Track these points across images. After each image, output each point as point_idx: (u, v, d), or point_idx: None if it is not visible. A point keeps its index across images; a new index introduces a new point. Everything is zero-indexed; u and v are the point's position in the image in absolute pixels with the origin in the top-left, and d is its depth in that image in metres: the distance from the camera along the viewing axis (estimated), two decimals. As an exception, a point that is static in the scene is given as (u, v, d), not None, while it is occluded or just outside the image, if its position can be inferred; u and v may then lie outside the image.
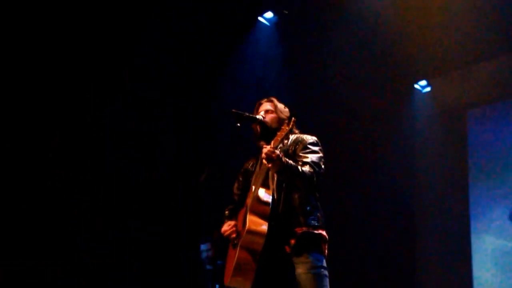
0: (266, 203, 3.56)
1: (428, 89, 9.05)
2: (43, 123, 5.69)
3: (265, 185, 3.67)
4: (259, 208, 3.54)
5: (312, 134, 3.89)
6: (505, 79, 8.03)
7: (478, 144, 8.51)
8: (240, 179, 4.07)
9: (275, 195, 3.64)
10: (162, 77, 6.46)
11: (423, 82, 9.01)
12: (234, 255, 3.53)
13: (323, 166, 3.67)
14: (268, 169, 3.58)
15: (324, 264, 3.60)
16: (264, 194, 3.59)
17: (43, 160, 5.69)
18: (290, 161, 3.53)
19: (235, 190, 4.08)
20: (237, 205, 3.96)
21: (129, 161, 6.16)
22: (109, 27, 6.04)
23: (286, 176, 3.56)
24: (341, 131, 7.79)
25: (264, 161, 3.46)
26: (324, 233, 3.66)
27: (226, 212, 4.03)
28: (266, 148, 3.43)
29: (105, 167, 6.04)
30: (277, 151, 3.44)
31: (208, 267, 5.94)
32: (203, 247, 6.00)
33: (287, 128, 3.53)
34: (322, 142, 3.84)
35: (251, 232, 3.46)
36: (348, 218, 7.66)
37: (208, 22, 6.70)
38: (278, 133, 3.56)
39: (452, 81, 8.61)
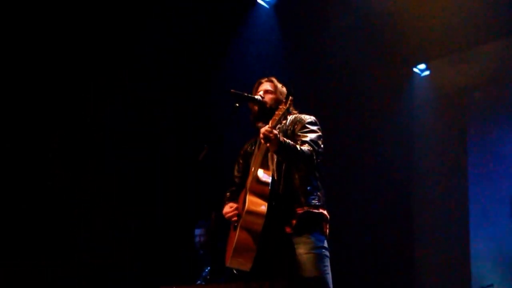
0: (265, 183, 3.54)
1: (427, 72, 9.00)
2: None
3: (265, 166, 3.67)
4: (259, 188, 3.53)
5: (310, 114, 3.88)
6: (505, 62, 8.00)
7: (478, 127, 8.48)
8: (240, 161, 4.06)
9: (275, 175, 3.63)
10: (159, 61, 6.45)
11: (422, 66, 8.97)
12: (234, 237, 3.51)
13: (322, 145, 3.67)
14: (267, 149, 3.58)
15: (326, 244, 3.61)
16: (263, 175, 3.58)
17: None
18: (288, 140, 3.51)
19: (236, 173, 4.07)
20: (238, 188, 3.95)
21: (128, 153, 6.17)
22: (106, 22, 6.04)
23: (285, 155, 3.54)
24: (338, 115, 7.77)
25: (262, 141, 3.44)
26: (325, 212, 3.66)
27: (227, 194, 4.01)
28: (264, 128, 3.42)
29: (105, 164, 6.05)
30: (275, 131, 3.42)
31: (201, 251, 5.93)
32: (197, 231, 5.99)
33: (284, 107, 3.53)
34: (323, 125, 3.82)
35: (251, 213, 3.45)
36: (344, 203, 7.61)
37: (207, 4, 6.69)
38: (276, 112, 3.55)
39: (452, 64, 8.57)
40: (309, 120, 3.78)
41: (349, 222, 7.59)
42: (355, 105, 8.09)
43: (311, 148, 3.56)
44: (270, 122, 3.49)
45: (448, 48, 8.32)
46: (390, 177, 8.32)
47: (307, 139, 3.61)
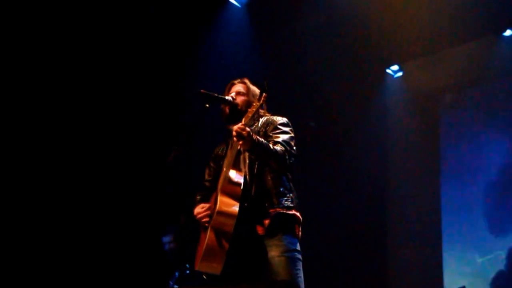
0: (237, 183, 3.53)
1: (400, 74, 9.04)
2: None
3: (237, 167, 3.65)
4: (230, 188, 3.52)
5: (282, 116, 3.88)
6: (477, 64, 8.09)
7: (450, 129, 8.58)
8: (211, 165, 4.04)
9: (247, 176, 3.62)
10: (127, 60, 6.39)
11: (395, 67, 8.99)
12: (205, 239, 3.49)
13: (294, 147, 3.67)
14: (239, 150, 3.57)
15: (298, 247, 3.61)
16: (235, 175, 3.57)
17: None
18: (261, 139, 3.51)
19: (206, 176, 4.05)
20: (209, 192, 3.92)
21: (95, 155, 6.12)
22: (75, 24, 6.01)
23: (258, 154, 3.53)
24: (311, 116, 7.79)
25: (235, 139, 3.43)
26: (298, 214, 3.67)
27: (198, 197, 3.98)
28: (237, 125, 3.41)
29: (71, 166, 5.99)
30: (248, 128, 3.41)
31: (171, 257, 5.90)
32: (165, 239, 5.95)
33: (257, 103, 3.51)
34: (293, 127, 3.83)
35: (222, 213, 3.43)
36: (316, 208, 7.62)
37: (178, 3, 6.65)
38: (249, 110, 3.54)
39: (425, 66, 8.62)
40: (281, 122, 3.79)
41: (322, 225, 7.58)
42: (327, 106, 8.11)
43: (284, 148, 3.57)
44: (243, 119, 3.48)
45: (422, 49, 8.36)
46: (363, 179, 8.35)
47: (279, 139, 3.62)
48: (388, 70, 9.08)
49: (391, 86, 9.06)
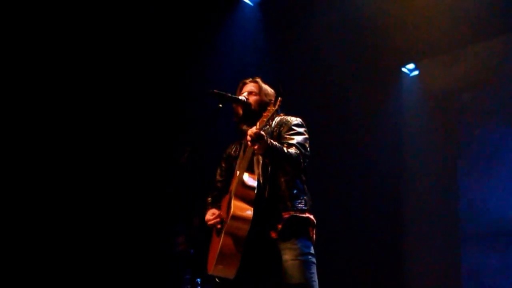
0: (251, 187, 3.53)
1: (416, 72, 9.01)
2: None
3: (250, 170, 3.65)
4: (244, 192, 3.51)
5: (296, 116, 3.86)
6: (495, 63, 8.02)
7: (467, 129, 8.51)
8: (223, 165, 4.04)
9: (260, 179, 3.61)
10: (140, 60, 6.39)
11: (411, 66, 8.97)
12: (218, 243, 3.49)
13: (308, 148, 3.66)
14: (253, 153, 3.57)
15: (312, 251, 3.60)
16: (248, 179, 3.56)
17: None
18: (276, 143, 3.49)
19: (218, 177, 4.05)
20: (220, 192, 3.93)
21: (107, 155, 6.13)
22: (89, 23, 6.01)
23: (272, 158, 3.52)
24: (325, 116, 7.75)
25: (249, 143, 3.41)
26: (311, 217, 3.65)
27: (209, 199, 3.98)
28: (251, 130, 3.39)
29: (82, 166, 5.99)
30: (263, 132, 3.39)
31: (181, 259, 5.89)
32: (177, 240, 5.95)
33: (273, 108, 3.49)
34: (307, 128, 3.81)
35: (236, 218, 3.43)
36: (330, 209, 7.57)
37: (190, 2, 6.65)
38: (264, 114, 3.52)
39: (441, 64, 8.58)
40: (295, 122, 3.77)
41: (336, 227, 7.54)
42: (342, 105, 8.07)
43: (298, 151, 3.55)
44: (258, 124, 3.47)
45: (438, 48, 8.33)
46: (379, 180, 8.31)
47: (294, 141, 3.60)
48: (403, 69, 9.06)
49: (407, 85, 9.04)
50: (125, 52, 6.26)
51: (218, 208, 3.82)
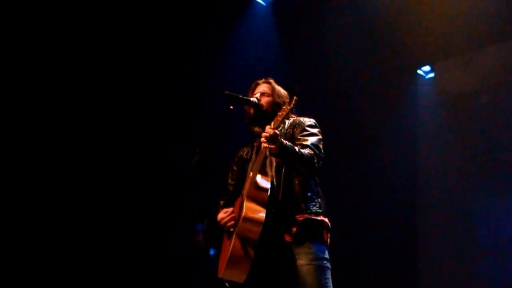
0: (264, 189, 3.49)
1: (432, 74, 8.95)
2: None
3: (263, 172, 3.61)
4: (257, 194, 3.47)
5: (309, 117, 3.82)
6: (513, 64, 7.97)
7: (484, 132, 8.42)
8: (235, 168, 4.01)
9: (274, 181, 3.57)
10: (150, 60, 6.38)
11: (427, 68, 8.91)
12: (229, 245, 3.45)
13: (322, 149, 3.62)
14: (266, 155, 3.52)
15: (327, 255, 3.55)
16: (261, 180, 3.53)
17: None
18: (289, 143, 3.45)
19: (229, 180, 4.01)
20: (232, 196, 3.88)
21: (117, 158, 6.12)
22: (101, 23, 6.00)
23: (286, 159, 3.48)
24: (339, 118, 7.71)
25: (263, 144, 3.38)
26: (326, 220, 3.61)
27: (221, 202, 3.93)
28: (267, 128, 3.36)
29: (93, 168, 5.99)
30: (277, 132, 3.36)
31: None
32: (195, 239, 5.95)
33: (288, 107, 3.46)
34: (321, 129, 3.78)
35: (248, 220, 3.38)
36: (345, 212, 7.54)
37: (201, 2, 6.62)
38: (279, 113, 3.51)
39: (458, 66, 8.53)
40: (309, 123, 3.74)
41: (351, 231, 7.50)
42: (357, 107, 8.03)
43: (312, 152, 3.51)
44: (272, 123, 3.45)
45: (454, 49, 8.27)
46: (393, 183, 8.27)
47: (308, 142, 3.57)
48: (419, 71, 9.00)
49: (422, 87, 8.98)
50: (137, 52, 6.25)
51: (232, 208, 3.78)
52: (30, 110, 5.59)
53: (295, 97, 3.46)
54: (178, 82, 6.55)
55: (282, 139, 3.39)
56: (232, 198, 3.85)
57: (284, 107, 3.50)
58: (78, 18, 5.87)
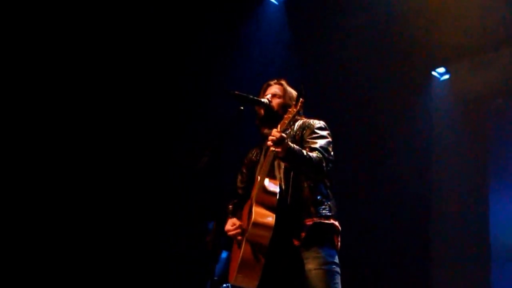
0: (272, 193, 3.46)
1: (447, 76, 8.89)
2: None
3: (271, 175, 3.59)
4: (266, 198, 3.45)
5: (319, 119, 3.79)
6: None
7: (499, 135, 8.36)
8: (244, 171, 3.99)
9: (282, 185, 3.55)
10: (160, 60, 6.38)
11: (442, 69, 8.86)
12: (239, 251, 3.44)
13: (332, 152, 3.58)
14: (274, 157, 3.50)
15: (337, 260, 3.52)
16: (269, 184, 3.50)
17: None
18: (297, 147, 3.43)
19: (239, 183, 4.00)
20: (241, 199, 3.87)
21: (126, 159, 6.14)
22: (107, 22, 6.04)
23: (293, 162, 3.45)
24: (353, 120, 7.68)
25: (271, 147, 3.36)
26: (336, 223, 3.58)
27: (230, 207, 3.92)
28: (274, 131, 3.33)
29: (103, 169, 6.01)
30: (284, 135, 3.34)
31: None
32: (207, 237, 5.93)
33: (294, 109, 3.42)
34: (332, 131, 3.76)
35: (258, 225, 3.36)
36: (356, 216, 7.50)
37: (213, 1, 6.65)
38: (285, 116, 3.46)
39: (473, 68, 8.46)
40: (318, 125, 3.72)
41: (362, 235, 7.46)
42: (369, 109, 7.99)
43: (321, 155, 3.48)
44: (279, 126, 3.41)
45: (469, 51, 8.21)
46: (406, 187, 8.19)
47: (317, 145, 3.54)
48: (434, 73, 8.94)
49: (437, 89, 8.91)
50: (147, 51, 6.30)
51: (239, 218, 3.75)
52: (33, 112, 5.64)
53: (301, 99, 3.40)
54: (190, 82, 6.55)
55: (290, 142, 3.37)
56: (241, 202, 3.83)
57: (290, 110, 3.46)
58: (93, 18, 5.91)
